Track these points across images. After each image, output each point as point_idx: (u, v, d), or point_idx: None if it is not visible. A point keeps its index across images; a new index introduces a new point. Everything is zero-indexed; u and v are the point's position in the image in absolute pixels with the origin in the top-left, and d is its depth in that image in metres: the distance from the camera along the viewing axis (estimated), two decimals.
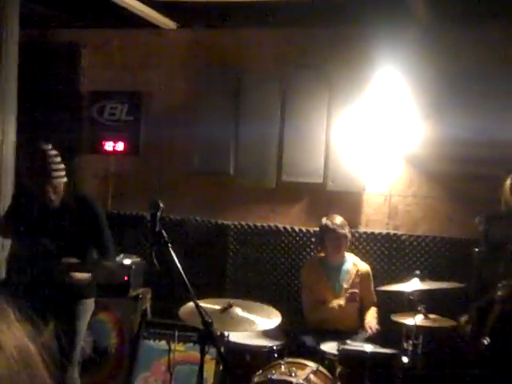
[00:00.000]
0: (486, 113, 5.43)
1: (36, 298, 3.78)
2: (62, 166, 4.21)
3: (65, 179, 4.22)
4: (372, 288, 5.37)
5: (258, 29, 6.22)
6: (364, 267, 5.40)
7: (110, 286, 5.23)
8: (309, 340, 4.96)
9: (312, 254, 5.88)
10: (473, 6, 5.22)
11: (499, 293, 3.94)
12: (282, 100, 6.06)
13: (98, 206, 4.40)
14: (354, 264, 5.36)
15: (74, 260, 4.17)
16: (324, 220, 5.33)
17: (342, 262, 5.35)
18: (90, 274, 4.23)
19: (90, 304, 4.42)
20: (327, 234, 5.27)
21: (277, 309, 4.04)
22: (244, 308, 3.85)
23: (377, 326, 5.05)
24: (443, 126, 5.53)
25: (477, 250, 4.80)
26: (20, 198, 4.49)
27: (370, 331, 5.01)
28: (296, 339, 5.04)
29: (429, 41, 5.67)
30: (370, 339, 4.83)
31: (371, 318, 5.17)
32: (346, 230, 5.28)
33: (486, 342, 3.97)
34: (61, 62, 6.66)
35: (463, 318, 4.56)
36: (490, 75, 5.49)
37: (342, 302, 5.21)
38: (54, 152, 4.15)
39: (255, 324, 3.80)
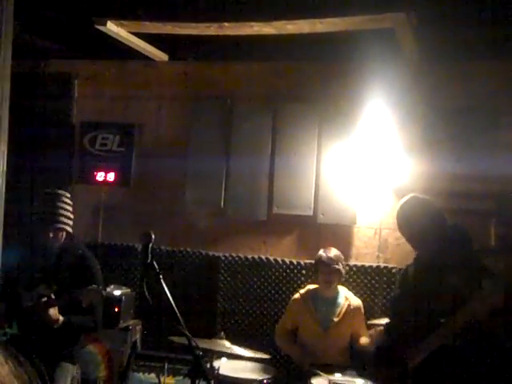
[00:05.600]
0: (475, 147, 5.49)
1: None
2: (71, 216, 4.37)
3: (69, 229, 4.35)
4: (364, 323, 5.30)
5: (249, 62, 6.29)
6: (356, 302, 5.36)
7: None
8: (299, 374, 4.93)
9: (302, 285, 5.87)
10: (461, 46, 5.34)
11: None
12: (273, 133, 6.11)
13: (94, 263, 4.50)
14: (345, 298, 5.32)
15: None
16: (320, 252, 5.32)
17: (333, 294, 5.32)
18: (62, 318, 4.12)
19: (68, 369, 4.32)
20: (321, 267, 5.26)
21: (266, 341, 4.04)
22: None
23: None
24: (433, 160, 5.59)
25: None
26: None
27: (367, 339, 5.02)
28: (287, 373, 5.01)
29: (418, 76, 5.76)
30: (360, 373, 4.82)
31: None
32: (340, 266, 5.25)
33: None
34: (53, 92, 6.69)
35: None
36: (478, 110, 5.56)
37: (328, 334, 5.20)
38: (69, 201, 4.37)
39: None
